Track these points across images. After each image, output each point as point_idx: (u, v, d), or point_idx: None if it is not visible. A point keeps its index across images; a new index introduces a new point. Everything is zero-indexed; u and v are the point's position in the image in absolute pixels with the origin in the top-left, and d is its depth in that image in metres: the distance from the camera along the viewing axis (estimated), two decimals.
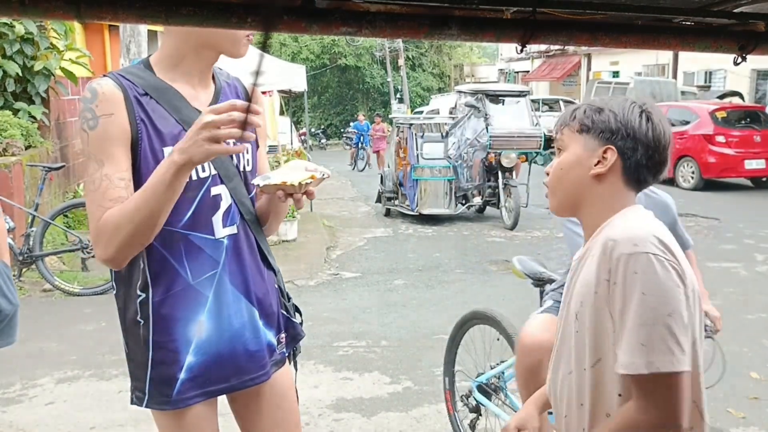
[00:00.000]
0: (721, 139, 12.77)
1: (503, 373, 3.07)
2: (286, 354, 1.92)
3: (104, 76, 1.68)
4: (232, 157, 1.74)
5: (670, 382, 1.25)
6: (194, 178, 1.67)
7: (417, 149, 9.85)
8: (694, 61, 21.85)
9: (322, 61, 31.91)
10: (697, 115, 13.33)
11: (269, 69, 9.45)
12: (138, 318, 1.69)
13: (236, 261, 1.75)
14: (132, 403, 1.76)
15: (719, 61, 19.42)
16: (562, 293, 2.66)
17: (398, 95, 31.78)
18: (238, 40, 1.71)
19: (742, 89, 19.46)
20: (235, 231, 1.75)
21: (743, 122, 13.32)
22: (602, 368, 1.34)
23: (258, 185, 1.68)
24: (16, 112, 7.25)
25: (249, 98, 1.82)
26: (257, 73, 0.88)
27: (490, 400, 3.11)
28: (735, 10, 1.14)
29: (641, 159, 1.39)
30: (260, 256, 1.84)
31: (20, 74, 7.19)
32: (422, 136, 9.95)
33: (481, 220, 10.22)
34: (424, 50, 34.43)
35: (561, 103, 22.16)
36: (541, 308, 2.74)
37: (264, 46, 0.84)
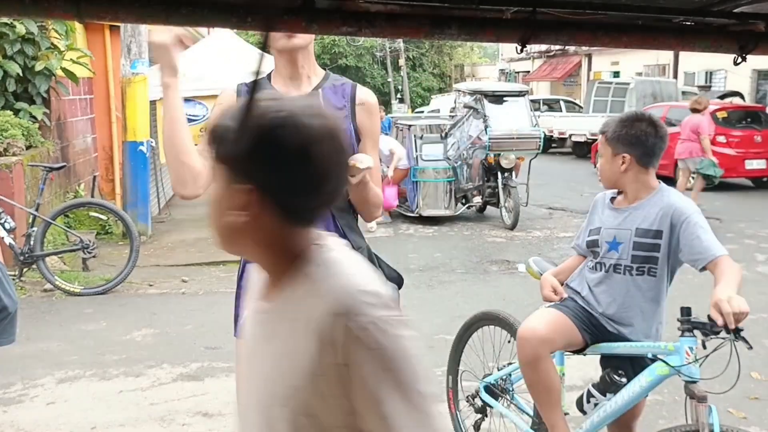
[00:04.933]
0: (721, 139, 12.75)
1: (510, 374, 3.06)
2: None
3: (237, 84, 2.19)
4: None
5: None
6: None
7: (416, 151, 9.84)
8: (695, 62, 21.83)
9: (323, 61, 31.93)
10: None
11: (270, 69, 9.42)
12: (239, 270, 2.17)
13: None
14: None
15: (720, 61, 19.39)
16: (571, 290, 2.69)
17: (399, 95, 31.79)
18: (276, 37, 2.06)
19: (743, 89, 19.44)
20: None
21: (744, 122, 13.31)
22: None
23: None
24: (17, 112, 7.25)
25: (352, 99, 2.18)
26: (257, 73, 0.88)
27: (497, 401, 3.11)
28: (735, 10, 1.14)
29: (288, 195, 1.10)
30: (340, 232, 2.12)
31: (21, 74, 7.18)
32: (421, 138, 9.94)
33: (481, 220, 10.22)
34: (424, 50, 34.43)
35: (561, 103, 22.16)
36: (544, 304, 2.76)
37: (264, 46, 0.84)
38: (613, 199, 2.69)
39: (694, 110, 10.21)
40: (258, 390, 1.18)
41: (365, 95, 2.21)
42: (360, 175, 1.91)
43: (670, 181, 12.67)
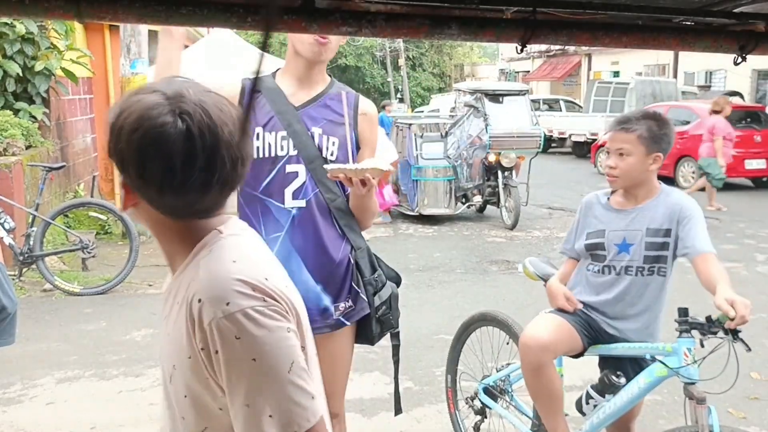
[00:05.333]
0: None
1: (509, 375, 3.06)
2: (348, 323, 2.24)
3: (242, 78, 2.20)
4: (314, 142, 2.14)
5: None
6: (271, 155, 2.11)
7: (416, 150, 9.83)
8: (695, 62, 21.84)
9: None
10: (697, 115, 13.31)
11: (269, 69, 9.42)
12: None
13: (302, 230, 2.12)
14: None
15: (719, 61, 19.41)
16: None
17: (399, 95, 31.79)
18: (303, 42, 2.11)
19: (743, 89, 19.46)
20: (304, 205, 2.12)
21: (744, 122, 13.30)
22: None
23: (327, 168, 2.04)
24: (16, 112, 7.25)
25: (355, 108, 2.24)
26: (257, 73, 0.88)
27: (497, 403, 3.11)
28: (735, 10, 1.14)
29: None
30: (338, 231, 2.18)
31: (21, 74, 7.18)
32: (421, 137, 9.93)
33: (481, 219, 10.22)
34: (424, 50, 34.43)
35: (561, 102, 22.17)
36: (546, 309, 2.73)
37: (264, 46, 0.84)
38: (607, 200, 2.67)
39: (714, 112, 10.24)
40: (161, 367, 1.23)
41: (367, 106, 2.29)
42: (375, 180, 2.00)
43: (670, 181, 12.69)
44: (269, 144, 2.12)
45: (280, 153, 2.12)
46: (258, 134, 2.11)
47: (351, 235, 2.21)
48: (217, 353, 1.06)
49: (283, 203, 2.12)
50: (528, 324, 2.62)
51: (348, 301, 2.21)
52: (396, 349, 2.42)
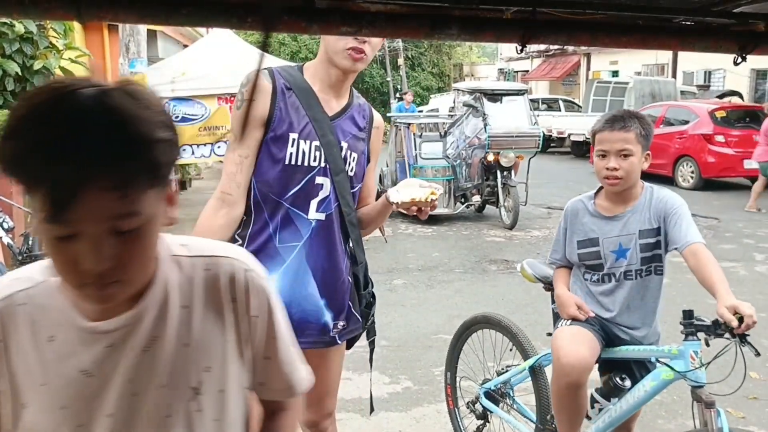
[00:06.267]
0: (720, 138, 12.77)
1: (510, 379, 3.04)
2: (339, 342, 2.19)
3: (266, 69, 2.08)
4: (341, 156, 2.09)
5: None
6: (305, 164, 2.04)
7: (415, 149, 9.83)
8: (694, 61, 21.84)
9: None
10: (696, 115, 13.33)
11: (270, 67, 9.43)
12: None
13: (318, 243, 2.08)
14: None
15: (719, 60, 19.41)
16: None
17: (398, 94, 31.76)
18: (338, 52, 2.02)
19: (742, 89, 19.47)
20: (323, 218, 2.08)
21: (743, 122, 13.32)
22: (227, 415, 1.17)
23: (396, 203, 2.06)
24: None
25: (370, 121, 2.24)
26: (257, 73, 0.88)
27: (498, 406, 3.09)
28: (735, 10, 1.14)
29: None
30: (346, 246, 2.16)
31: (20, 73, 7.17)
32: (420, 136, 9.93)
33: (480, 219, 10.22)
34: (423, 50, 34.41)
35: (560, 102, 22.17)
36: (565, 320, 2.59)
37: (264, 46, 0.84)
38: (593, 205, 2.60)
39: None
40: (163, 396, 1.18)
41: (379, 119, 2.30)
42: (436, 199, 2.12)
43: (669, 180, 12.70)
44: (303, 152, 2.04)
45: (312, 163, 2.06)
46: (294, 140, 2.03)
47: (357, 250, 2.20)
48: (257, 317, 1.15)
49: (307, 214, 2.07)
50: (559, 341, 2.46)
51: (343, 320, 2.19)
52: (372, 347, 2.37)
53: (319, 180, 2.07)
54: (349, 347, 2.31)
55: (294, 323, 1.96)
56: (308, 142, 2.04)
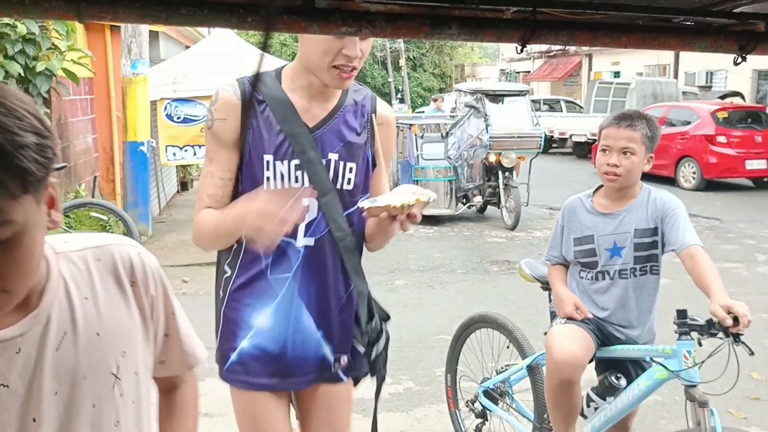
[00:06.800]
0: (722, 139, 12.76)
1: (509, 378, 3.05)
2: (344, 378, 1.96)
3: (237, 79, 1.84)
4: (329, 172, 1.83)
5: None
6: (286, 188, 1.80)
7: (417, 150, 9.84)
8: (696, 62, 21.84)
9: None
10: (698, 116, 13.32)
11: (270, 69, 9.45)
12: (219, 291, 1.94)
13: (308, 271, 1.84)
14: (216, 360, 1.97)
15: (720, 61, 19.40)
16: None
17: (399, 95, 31.80)
18: (321, 69, 1.75)
19: (743, 89, 19.45)
20: (312, 244, 1.84)
21: (744, 122, 13.31)
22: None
23: (363, 207, 1.73)
24: None
25: (370, 118, 1.93)
26: (257, 73, 0.88)
27: (497, 405, 3.10)
28: (735, 10, 1.14)
29: None
30: (343, 274, 1.91)
31: (22, 74, 7.18)
32: (422, 137, 9.94)
33: (482, 220, 10.22)
34: (425, 50, 34.44)
35: (562, 103, 22.17)
36: (560, 319, 2.61)
37: (264, 46, 0.84)
38: (591, 203, 2.62)
39: None
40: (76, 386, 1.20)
41: (386, 112, 1.97)
42: (421, 207, 1.72)
43: (671, 181, 12.69)
44: (281, 174, 1.80)
45: (294, 185, 1.81)
46: (268, 162, 1.78)
47: (356, 279, 1.93)
48: (156, 297, 1.20)
49: (295, 240, 1.82)
50: (553, 339, 2.50)
51: (347, 355, 1.95)
52: (379, 388, 2.05)
53: (304, 202, 1.79)
54: (355, 384, 2.05)
55: (290, 361, 1.86)
56: (285, 162, 1.79)
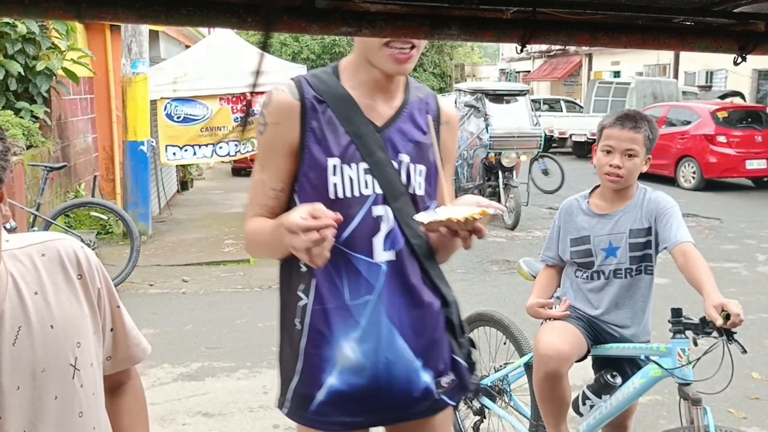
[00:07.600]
0: (722, 139, 12.77)
1: (507, 376, 3.06)
2: (452, 402, 1.74)
3: (292, 79, 1.67)
4: (401, 174, 1.65)
5: None
6: (356, 194, 1.61)
7: None
8: (695, 62, 21.84)
9: (323, 61, 31.88)
10: (698, 115, 13.32)
11: (270, 69, 9.48)
12: (296, 321, 1.66)
13: (394, 290, 1.63)
14: (277, 406, 1.73)
15: (720, 61, 19.41)
16: (572, 308, 2.64)
17: None
18: (376, 53, 1.59)
19: (744, 89, 19.46)
20: (394, 258, 1.63)
21: (744, 122, 13.32)
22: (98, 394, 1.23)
23: (422, 222, 1.52)
24: (17, 111, 7.25)
25: (437, 117, 1.75)
26: (258, 73, 0.88)
27: (495, 403, 3.11)
28: (735, 10, 1.14)
29: None
30: (430, 285, 1.70)
31: (22, 74, 7.19)
32: None
33: None
34: (425, 50, 34.40)
35: (562, 103, 22.17)
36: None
37: (264, 46, 0.84)
38: (587, 203, 2.63)
39: None
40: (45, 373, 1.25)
41: (450, 111, 1.80)
42: (487, 221, 1.52)
43: (671, 180, 12.69)
44: (350, 179, 1.61)
45: (365, 191, 1.62)
46: (335, 167, 1.60)
47: (444, 289, 1.73)
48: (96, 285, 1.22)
49: (372, 257, 1.61)
50: (541, 334, 2.53)
51: (450, 374, 1.73)
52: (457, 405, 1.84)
53: (377, 211, 1.62)
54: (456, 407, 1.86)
55: (385, 394, 1.62)
56: (354, 165, 1.61)
